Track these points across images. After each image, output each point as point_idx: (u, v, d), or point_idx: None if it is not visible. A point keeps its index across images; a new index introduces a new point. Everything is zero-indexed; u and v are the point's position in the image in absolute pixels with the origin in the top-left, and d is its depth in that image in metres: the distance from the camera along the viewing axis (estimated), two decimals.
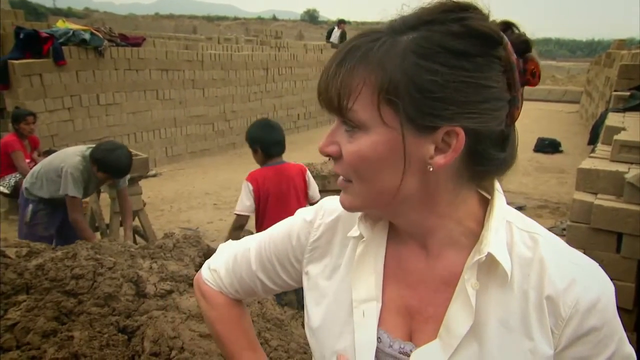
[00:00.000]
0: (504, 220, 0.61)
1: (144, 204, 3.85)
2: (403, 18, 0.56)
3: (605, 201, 2.62)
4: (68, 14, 28.07)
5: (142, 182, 3.75)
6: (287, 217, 0.79)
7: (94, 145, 3.10)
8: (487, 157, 0.58)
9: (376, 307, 0.64)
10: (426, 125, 0.54)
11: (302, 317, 2.37)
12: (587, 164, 2.86)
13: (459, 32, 0.53)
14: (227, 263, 0.83)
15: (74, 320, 1.67)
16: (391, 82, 0.53)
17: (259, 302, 2.21)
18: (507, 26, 0.57)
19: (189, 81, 8.04)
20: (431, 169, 0.56)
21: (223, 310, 0.84)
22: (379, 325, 0.64)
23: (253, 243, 0.81)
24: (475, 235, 0.61)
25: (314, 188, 2.87)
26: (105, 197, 3.97)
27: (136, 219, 3.83)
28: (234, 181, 6.23)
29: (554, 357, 0.57)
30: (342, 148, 0.58)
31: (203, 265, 0.88)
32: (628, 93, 4.89)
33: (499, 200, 0.62)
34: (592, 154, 3.16)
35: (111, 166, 2.97)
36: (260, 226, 2.80)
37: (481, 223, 0.61)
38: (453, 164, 0.57)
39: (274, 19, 41.94)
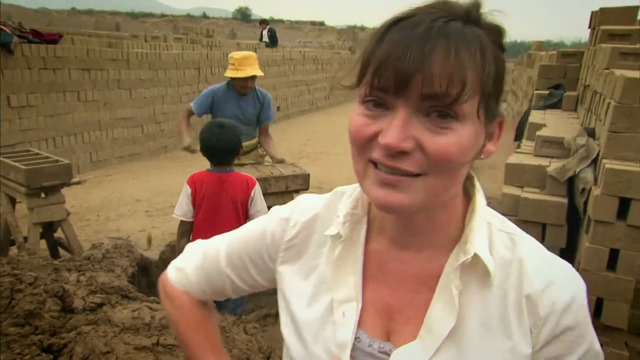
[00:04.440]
0: (484, 221, 0.61)
1: (68, 214, 3.56)
2: (458, 6, 0.53)
3: (530, 194, 2.79)
4: None
5: (64, 190, 3.46)
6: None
7: None
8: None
9: (356, 307, 0.63)
10: (495, 115, 0.56)
11: (244, 322, 2.30)
12: (514, 159, 3.04)
13: (500, 29, 0.55)
14: (196, 261, 0.81)
15: None
16: (489, 73, 0.53)
17: None
18: None
19: (114, 81, 7.58)
20: (483, 157, 0.57)
21: (187, 311, 0.81)
22: (358, 325, 0.63)
23: (224, 241, 0.79)
24: (453, 235, 0.61)
25: (257, 205, 2.58)
26: (21, 207, 3.63)
27: (59, 230, 3.54)
28: (167, 186, 5.96)
29: (531, 356, 0.58)
30: (425, 141, 0.52)
31: (169, 265, 0.86)
32: (547, 92, 5.26)
33: (481, 200, 0.62)
34: (517, 150, 3.36)
35: None
36: (194, 233, 2.60)
37: (461, 223, 0.61)
38: None
39: (204, 16, 40.54)
